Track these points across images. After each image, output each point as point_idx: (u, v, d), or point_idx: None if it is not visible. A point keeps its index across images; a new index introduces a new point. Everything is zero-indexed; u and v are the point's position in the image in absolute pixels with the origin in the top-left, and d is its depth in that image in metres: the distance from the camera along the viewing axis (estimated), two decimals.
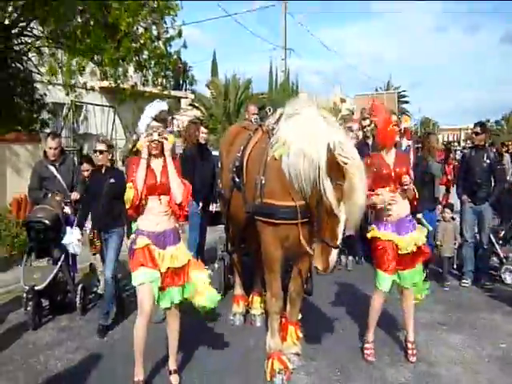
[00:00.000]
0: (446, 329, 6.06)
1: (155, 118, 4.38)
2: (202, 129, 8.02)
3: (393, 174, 5.00)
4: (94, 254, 6.34)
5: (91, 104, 15.99)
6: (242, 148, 5.30)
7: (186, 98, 25.43)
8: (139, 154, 4.40)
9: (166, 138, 4.37)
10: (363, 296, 6.49)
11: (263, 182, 4.65)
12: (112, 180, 5.82)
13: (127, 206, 4.27)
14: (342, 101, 44.08)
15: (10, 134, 11.20)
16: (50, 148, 6.51)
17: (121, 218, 5.88)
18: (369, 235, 5.14)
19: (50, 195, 6.48)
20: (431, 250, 7.92)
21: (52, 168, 6.56)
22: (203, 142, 7.92)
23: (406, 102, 52.41)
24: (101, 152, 5.89)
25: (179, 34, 12.90)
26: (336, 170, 4.01)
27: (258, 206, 4.71)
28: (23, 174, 10.20)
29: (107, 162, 5.94)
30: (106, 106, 16.05)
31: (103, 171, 5.96)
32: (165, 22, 12.76)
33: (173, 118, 27.69)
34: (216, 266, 7.58)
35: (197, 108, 25.36)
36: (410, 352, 5.19)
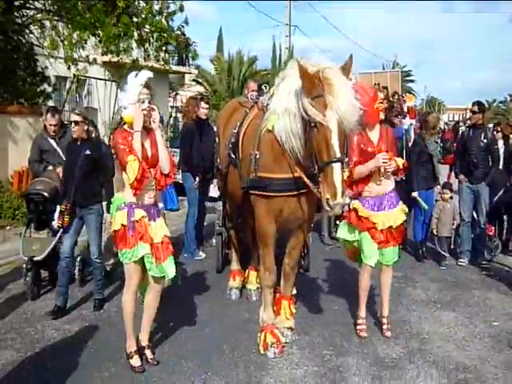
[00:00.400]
0: (440, 307, 6.12)
1: (145, 86, 4.23)
2: (203, 104, 8.01)
3: (377, 151, 4.98)
4: (59, 228, 5.85)
5: (94, 78, 15.91)
6: (238, 124, 5.31)
7: (190, 73, 25.26)
8: (128, 126, 4.26)
9: (154, 108, 4.30)
10: (359, 274, 6.53)
11: (257, 156, 4.65)
12: (87, 152, 5.55)
13: (131, 181, 4.07)
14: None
15: (12, 107, 11.20)
16: (50, 125, 6.51)
17: (99, 193, 5.76)
18: (352, 206, 5.17)
19: (50, 168, 6.51)
20: (426, 228, 7.99)
21: (52, 141, 6.57)
22: (204, 117, 7.93)
23: (412, 81, 51.99)
24: (76, 123, 5.55)
25: (181, 9, 12.81)
26: (314, 84, 3.91)
27: (252, 180, 4.71)
28: (24, 146, 10.21)
29: (83, 134, 5.58)
30: (109, 80, 15.96)
31: (78, 143, 5.63)
32: None
33: (176, 94, 27.67)
34: (214, 241, 7.64)
35: (200, 84, 25.22)
36: (384, 327, 5.27)
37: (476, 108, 7.80)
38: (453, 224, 7.88)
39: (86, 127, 5.64)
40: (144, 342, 4.62)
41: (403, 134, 8.64)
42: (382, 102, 5.19)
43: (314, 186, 4.27)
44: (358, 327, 5.29)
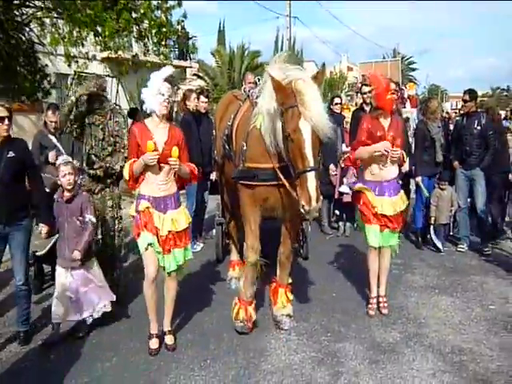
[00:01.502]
0: (438, 292, 6.19)
1: (166, 79, 4.46)
2: (202, 98, 8.09)
3: (388, 138, 5.19)
4: None
5: (94, 74, 15.97)
6: (232, 117, 5.42)
7: (191, 67, 25.30)
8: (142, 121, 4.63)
9: (175, 101, 4.62)
10: (358, 261, 6.62)
11: (245, 148, 4.81)
12: (11, 154, 4.63)
13: (126, 177, 4.45)
14: (349, 69, 43.66)
15: (13, 105, 11.29)
16: (51, 121, 6.60)
17: (27, 205, 4.84)
18: (355, 188, 5.47)
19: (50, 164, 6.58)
20: (425, 215, 8.03)
21: (52, 137, 6.65)
22: (203, 110, 8.01)
23: (414, 70, 51.79)
24: (2, 119, 4.60)
25: (179, 4, 12.83)
26: (287, 95, 4.11)
27: (240, 170, 4.88)
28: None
29: (4, 132, 4.64)
30: (110, 76, 16.01)
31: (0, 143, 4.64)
32: None
33: (178, 88, 27.68)
34: (214, 231, 7.71)
35: (201, 78, 25.22)
36: (381, 305, 5.51)
37: (467, 96, 7.79)
38: (451, 211, 7.91)
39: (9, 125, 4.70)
40: (165, 328, 4.85)
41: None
42: (393, 93, 5.44)
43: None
44: (369, 305, 5.53)
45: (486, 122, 7.72)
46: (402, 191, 5.48)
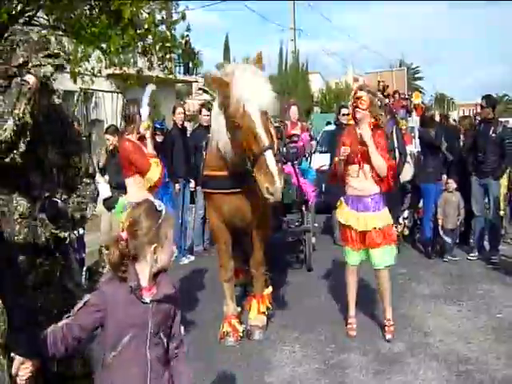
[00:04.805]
0: (444, 301, 6.13)
1: (149, 103, 4.93)
2: (204, 111, 8.28)
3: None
4: None
5: (99, 91, 16.12)
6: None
7: (197, 81, 25.44)
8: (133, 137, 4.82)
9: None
10: (364, 273, 6.53)
11: (205, 156, 5.04)
12: None
13: (155, 180, 4.66)
14: (355, 80, 43.69)
15: None
16: None
17: None
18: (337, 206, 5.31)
19: None
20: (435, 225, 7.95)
21: None
22: (205, 124, 8.07)
23: (420, 79, 51.73)
24: None
25: (183, 18, 12.94)
26: (224, 85, 4.18)
27: (200, 178, 5.20)
28: None
29: None
30: (114, 92, 16.17)
31: None
32: (175, 5, 12.87)
33: (184, 103, 27.85)
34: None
35: (206, 92, 25.35)
36: (386, 329, 5.14)
37: (484, 102, 7.72)
38: (458, 217, 7.81)
39: None
40: None
41: (392, 132, 8.55)
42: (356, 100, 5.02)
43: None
44: (348, 326, 5.27)
45: (502, 130, 7.61)
46: (385, 208, 5.05)
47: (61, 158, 2.92)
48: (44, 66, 2.71)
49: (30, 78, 2.61)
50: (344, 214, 5.10)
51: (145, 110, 4.81)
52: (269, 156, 4.01)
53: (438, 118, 8.22)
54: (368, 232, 4.96)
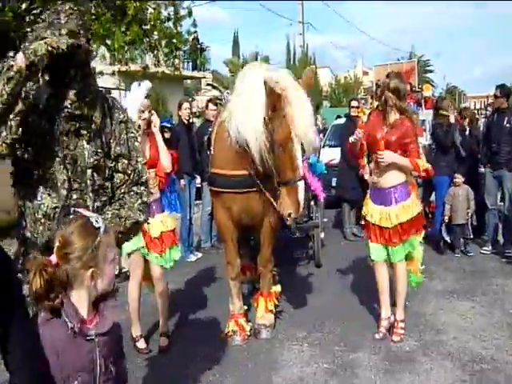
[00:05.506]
0: (457, 297, 5.97)
1: (146, 96, 4.67)
2: (211, 106, 8.24)
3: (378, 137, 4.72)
4: None
5: (105, 88, 16.04)
6: (214, 123, 5.43)
7: (204, 77, 25.37)
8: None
9: (153, 113, 4.74)
10: (373, 269, 6.42)
11: (212, 152, 4.90)
12: None
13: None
14: (365, 73, 43.39)
15: None
16: None
17: None
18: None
19: None
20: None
21: None
22: (212, 118, 7.97)
23: (431, 71, 51.25)
24: None
25: (189, 14, 12.82)
26: (274, 102, 4.08)
27: (208, 176, 5.08)
28: None
29: None
30: (118, 88, 16.08)
31: None
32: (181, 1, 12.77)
33: (193, 100, 27.79)
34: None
35: (215, 88, 25.28)
36: (394, 330, 4.92)
37: (498, 92, 7.53)
38: (467, 211, 7.60)
39: None
40: (161, 329, 4.93)
41: None
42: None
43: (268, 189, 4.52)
44: (379, 329, 5.00)
45: None
46: (411, 197, 4.83)
47: (99, 158, 2.52)
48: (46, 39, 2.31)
49: (18, 55, 2.26)
50: (368, 208, 4.95)
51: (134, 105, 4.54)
52: (301, 187, 4.22)
53: (452, 119, 7.95)
54: (385, 229, 4.77)
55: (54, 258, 1.91)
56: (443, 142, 7.70)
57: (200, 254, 8.21)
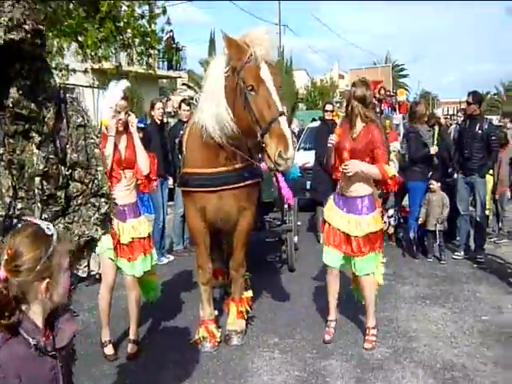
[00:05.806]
0: (429, 303, 5.95)
1: (123, 97, 4.51)
2: (184, 106, 8.15)
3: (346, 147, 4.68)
4: None
5: (78, 86, 15.79)
6: (186, 124, 5.36)
7: (180, 77, 25.15)
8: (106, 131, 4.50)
9: (130, 114, 4.58)
10: (348, 274, 6.36)
11: (184, 154, 4.79)
12: None
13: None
14: (341, 77, 43.66)
15: None
16: None
17: None
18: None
19: None
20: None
21: None
22: (185, 119, 7.90)
23: (405, 76, 51.86)
24: None
25: (163, 12, 12.69)
26: (242, 50, 4.00)
27: (179, 176, 4.97)
28: None
29: None
30: (92, 86, 15.84)
31: None
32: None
33: (168, 99, 27.54)
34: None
35: (191, 88, 25.10)
36: (366, 338, 4.87)
37: (470, 98, 7.54)
38: (437, 217, 7.57)
39: None
40: (131, 336, 4.79)
41: None
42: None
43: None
44: (326, 329, 5.02)
45: (488, 126, 7.45)
46: (376, 211, 4.81)
47: (51, 164, 2.21)
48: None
49: None
50: (331, 213, 4.84)
51: (109, 105, 4.47)
52: (283, 121, 3.89)
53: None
54: (355, 238, 4.67)
55: (2, 273, 1.72)
56: (416, 155, 7.68)
57: (172, 257, 8.08)
